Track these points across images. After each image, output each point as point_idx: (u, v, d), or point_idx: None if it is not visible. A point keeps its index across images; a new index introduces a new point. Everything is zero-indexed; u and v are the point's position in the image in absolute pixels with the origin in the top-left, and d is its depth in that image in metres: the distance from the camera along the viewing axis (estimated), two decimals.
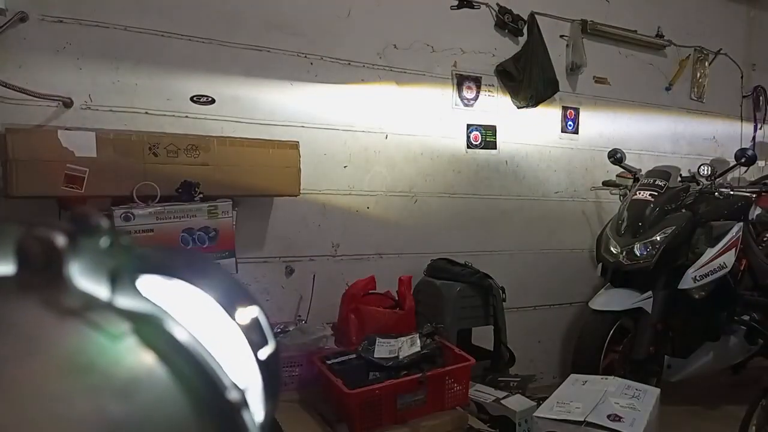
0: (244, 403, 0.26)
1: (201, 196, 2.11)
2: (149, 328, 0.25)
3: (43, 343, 0.23)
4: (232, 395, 0.26)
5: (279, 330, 2.38)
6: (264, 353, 0.29)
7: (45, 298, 0.24)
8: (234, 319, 0.29)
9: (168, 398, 0.24)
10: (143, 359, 0.24)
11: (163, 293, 0.26)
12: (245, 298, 0.30)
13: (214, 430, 0.25)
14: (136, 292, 0.26)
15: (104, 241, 0.26)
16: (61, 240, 0.24)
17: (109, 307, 0.25)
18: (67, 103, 2.23)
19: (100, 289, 0.25)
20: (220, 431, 0.25)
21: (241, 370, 0.28)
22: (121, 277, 0.25)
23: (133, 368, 0.24)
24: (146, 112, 2.39)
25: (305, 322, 2.55)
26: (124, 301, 0.25)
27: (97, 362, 0.23)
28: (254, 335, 0.29)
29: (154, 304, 0.26)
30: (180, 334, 0.25)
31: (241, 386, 0.26)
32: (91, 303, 0.24)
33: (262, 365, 0.29)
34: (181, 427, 0.24)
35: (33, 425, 0.20)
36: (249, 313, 0.29)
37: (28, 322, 0.23)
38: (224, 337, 0.28)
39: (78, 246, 0.25)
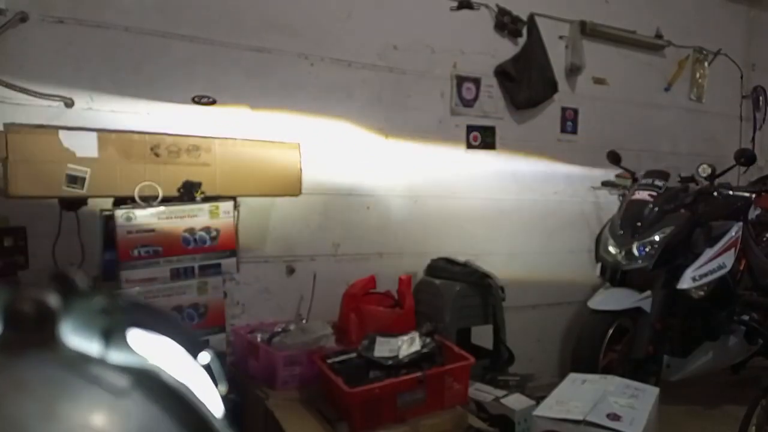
0: None
1: (203, 196, 2.12)
2: (149, 381, 0.26)
3: (60, 404, 0.24)
4: None
5: (280, 329, 2.39)
6: (222, 391, 0.32)
7: (44, 356, 0.25)
8: (198, 363, 0.31)
9: None
10: (148, 411, 0.25)
11: (148, 346, 0.28)
12: (201, 344, 0.32)
13: None
14: (129, 349, 0.27)
15: (97, 302, 0.27)
16: (53, 300, 0.25)
17: (104, 363, 0.26)
18: (69, 104, 2.24)
19: (91, 347, 0.26)
20: None
21: (214, 408, 0.30)
22: (113, 335, 0.27)
23: (143, 420, 0.25)
24: (148, 113, 2.40)
25: (306, 322, 2.56)
26: (118, 357, 0.26)
27: (112, 419, 0.24)
28: (212, 375, 0.32)
29: (146, 358, 0.27)
30: (175, 385, 0.27)
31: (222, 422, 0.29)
32: (88, 361, 0.25)
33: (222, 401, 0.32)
34: None
35: None
36: (206, 357, 0.32)
37: (39, 381, 0.24)
38: (197, 379, 0.30)
39: (70, 306, 0.26)
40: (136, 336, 0.28)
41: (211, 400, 0.30)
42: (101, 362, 0.26)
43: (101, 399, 0.24)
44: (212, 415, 0.28)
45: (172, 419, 0.26)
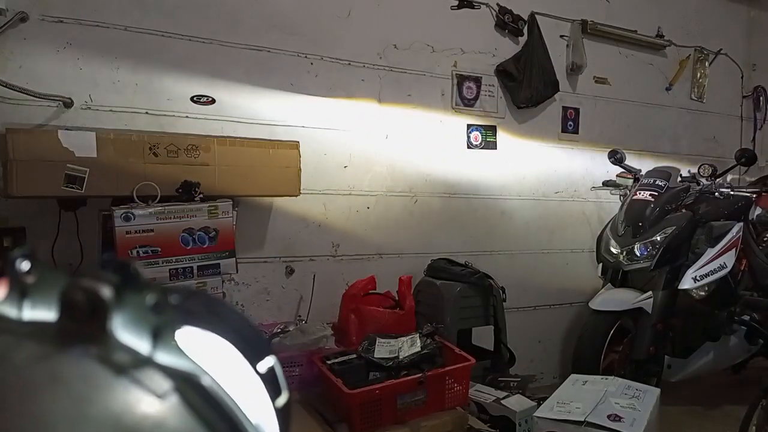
0: None
1: (201, 196, 2.11)
2: (190, 387, 0.25)
3: (93, 404, 0.23)
4: None
5: (279, 330, 2.38)
6: (280, 402, 0.30)
7: (89, 351, 0.24)
8: (256, 370, 0.30)
9: None
10: (184, 419, 0.25)
11: (198, 347, 0.27)
12: (264, 347, 0.31)
13: None
14: (177, 350, 0.26)
15: (150, 299, 0.26)
16: (106, 292, 0.25)
17: (150, 363, 0.25)
18: (68, 103, 2.23)
19: (140, 344, 0.25)
20: None
21: (264, 421, 0.29)
22: (163, 335, 0.26)
23: (176, 429, 0.24)
24: (146, 112, 2.39)
25: (305, 322, 2.55)
26: (164, 358, 0.26)
27: (143, 425, 0.23)
28: (271, 385, 0.30)
29: (194, 362, 0.26)
30: (217, 394, 0.26)
31: None
32: (134, 359, 0.25)
33: (279, 413, 0.30)
34: None
35: None
36: (267, 363, 0.30)
37: (76, 377, 0.24)
38: (248, 388, 0.29)
39: (123, 299, 0.25)
40: (186, 335, 0.27)
41: (261, 413, 0.28)
42: (146, 362, 0.25)
43: (137, 403, 0.23)
44: (252, 428, 0.27)
45: (207, 430, 0.25)
